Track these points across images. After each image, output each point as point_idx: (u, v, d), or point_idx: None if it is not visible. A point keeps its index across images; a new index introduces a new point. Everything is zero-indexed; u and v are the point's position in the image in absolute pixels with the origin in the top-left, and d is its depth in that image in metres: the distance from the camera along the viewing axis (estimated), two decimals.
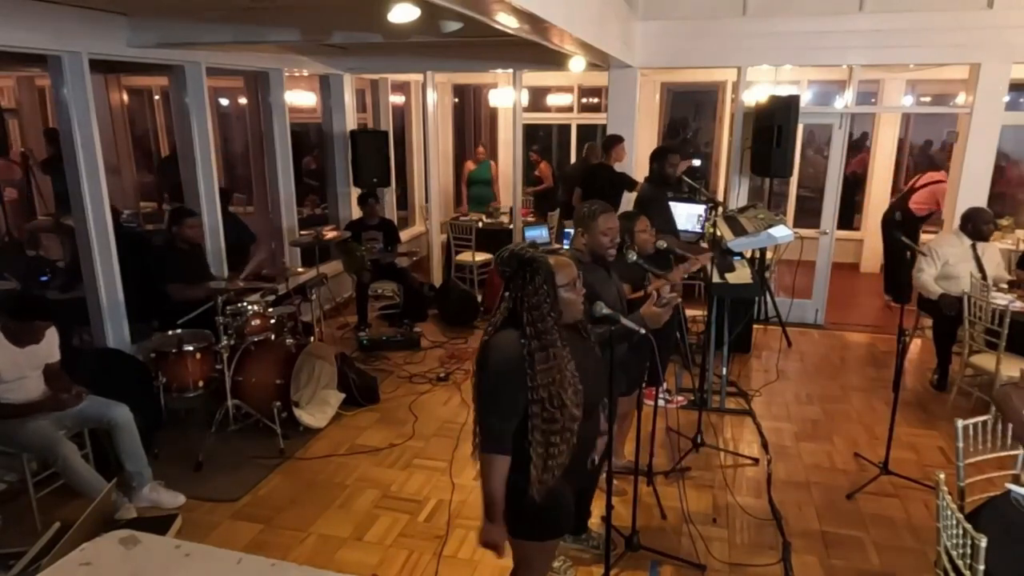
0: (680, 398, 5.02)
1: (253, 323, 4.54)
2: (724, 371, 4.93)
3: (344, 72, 7.19)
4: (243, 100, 8.47)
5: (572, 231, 3.21)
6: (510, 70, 7.07)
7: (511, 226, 7.53)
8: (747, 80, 6.45)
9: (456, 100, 10.63)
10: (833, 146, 6.43)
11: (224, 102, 9.45)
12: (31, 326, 3.53)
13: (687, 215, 6.43)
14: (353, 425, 4.70)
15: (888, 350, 6.01)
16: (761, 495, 3.87)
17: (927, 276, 5.07)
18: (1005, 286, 5.13)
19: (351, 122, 7.42)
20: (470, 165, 8.98)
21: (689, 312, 5.98)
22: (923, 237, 7.00)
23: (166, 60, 5.07)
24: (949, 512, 2.27)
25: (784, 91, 6.62)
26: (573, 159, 9.39)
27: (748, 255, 5.57)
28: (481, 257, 7.43)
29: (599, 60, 5.73)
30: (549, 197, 9.03)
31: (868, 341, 6.43)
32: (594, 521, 3.44)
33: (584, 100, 9.98)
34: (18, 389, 3.48)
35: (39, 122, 8.39)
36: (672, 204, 5.67)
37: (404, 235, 8.01)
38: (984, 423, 2.80)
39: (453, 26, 3.67)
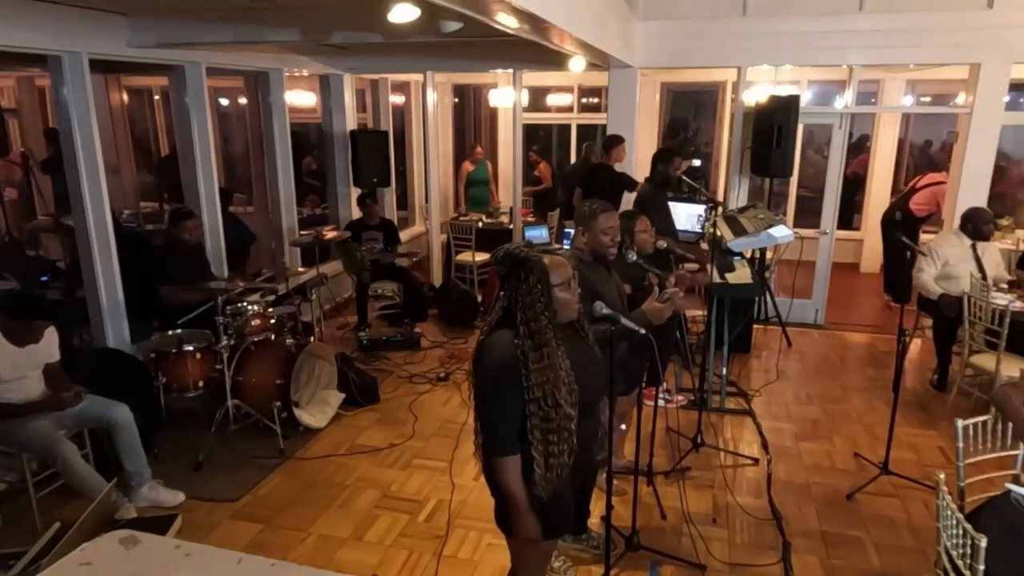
0: (680, 397, 5.02)
1: (253, 323, 4.54)
2: (724, 371, 4.93)
3: (344, 72, 7.19)
4: (243, 100, 8.47)
5: (572, 231, 3.21)
6: (510, 70, 7.08)
7: (511, 226, 7.53)
8: (747, 80, 6.45)
9: (456, 100, 10.63)
10: (833, 146, 6.43)
11: (224, 102, 9.45)
12: (31, 326, 3.53)
13: (687, 215, 6.42)
14: (353, 425, 4.70)
15: (888, 350, 6.01)
16: (761, 495, 3.87)
17: (927, 276, 5.07)
18: (1005, 286, 5.13)
19: (351, 122, 7.42)
20: (468, 166, 8.96)
21: (689, 312, 5.97)
22: (923, 237, 7.00)
23: (166, 60, 5.07)
24: (949, 512, 2.27)
25: (784, 91, 6.62)
26: (573, 159, 9.39)
27: (748, 255, 5.58)
28: (481, 257, 7.42)
29: (599, 60, 5.73)
30: (549, 197, 9.03)
31: (868, 341, 6.43)
32: (594, 521, 3.44)
33: (584, 100, 9.98)
34: (18, 389, 3.48)
35: (39, 122, 8.39)
36: (672, 204, 5.68)
37: (404, 235, 8.00)
38: (984, 423, 2.80)
39: (453, 26, 3.67)
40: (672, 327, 4.22)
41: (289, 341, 4.64)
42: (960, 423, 2.76)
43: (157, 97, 9.39)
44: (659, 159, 5.38)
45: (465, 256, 7.61)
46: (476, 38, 4.46)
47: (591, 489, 2.79)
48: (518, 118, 7.11)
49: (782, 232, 4.61)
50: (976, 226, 5.05)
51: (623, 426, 2.66)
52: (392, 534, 3.52)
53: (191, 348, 4.36)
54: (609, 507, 2.65)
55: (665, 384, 5.07)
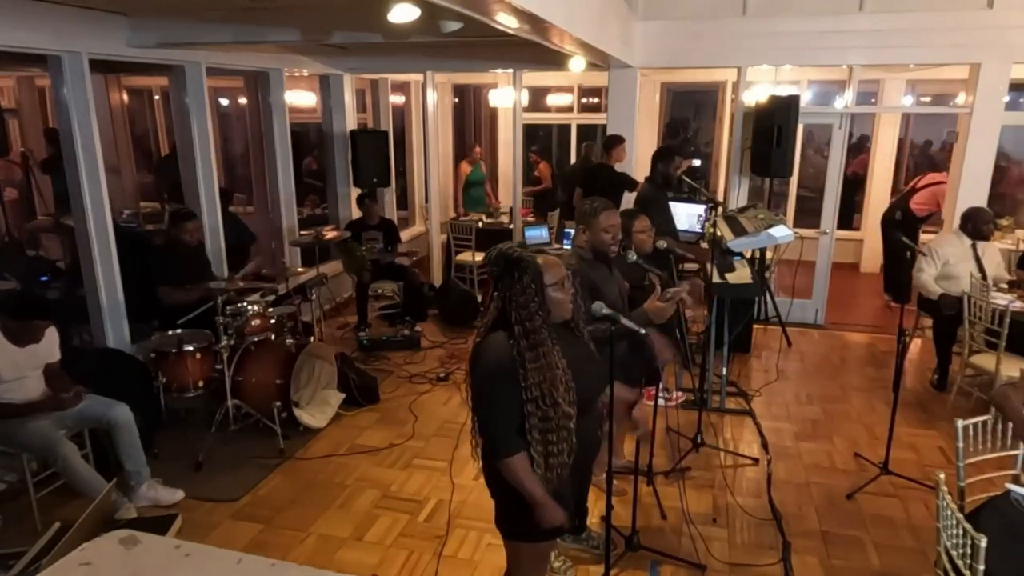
0: (679, 394, 5.02)
1: (253, 323, 4.54)
2: (724, 371, 4.93)
3: (344, 72, 7.19)
4: (243, 100, 8.47)
5: (572, 231, 3.21)
6: (510, 70, 7.08)
7: (511, 226, 7.53)
8: (747, 80, 6.45)
9: (456, 100, 10.63)
10: (833, 146, 6.43)
11: (224, 102, 9.45)
12: (31, 326, 3.53)
13: (687, 215, 6.42)
14: (353, 425, 4.70)
15: (888, 350, 6.01)
16: (761, 495, 3.87)
17: (927, 276, 5.07)
18: (1005, 286, 5.13)
19: (351, 122, 7.42)
20: (466, 167, 8.94)
21: (689, 312, 5.97)
22: (923, 237, 7.00)
23: (166, 60, 5.07)
24: (949, 512, 2.27)
25: (784, 91, 6.62)
26: (573, 159, 9.39)
27: (748, 255, 5.58)
28: (481, 257, 7.43)
29: (599, 60, 5.73)
30: (548, 197, 9.03)
31: (868, 341, 6.43)
32: (594, 521, 3.44)
33: (584, 100, 9.98)
34: (18, 389, 3.48)
35: (39, 122, 8.38)
36: (672, 204, 5.68)
37: (404, 235, 8.00)
38: (984, 423, 2.80)
39: (453, 26, 3.67)
40: (672, 326, 4.21)
41: (289, 341, 4.64)
42: (960, 423, 2.76)
43: (157, 97, 9.39)
44: (660, 158, 5.38)
45: (465, 256, 7.61)
46: (476, 38, 4.46)
47: (588, 487, 2.79)
48: (518, 118, 7.11)
49: (782, 232, 4.61)
50: (976, 226, 5.05)
51: (638, 426, 2.60)
52: (392, 534, 3.52)
53: (191, 348, 4.36)
54: (609, 507, 2.65)
55: (664, 383, 5.07)
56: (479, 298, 6.91)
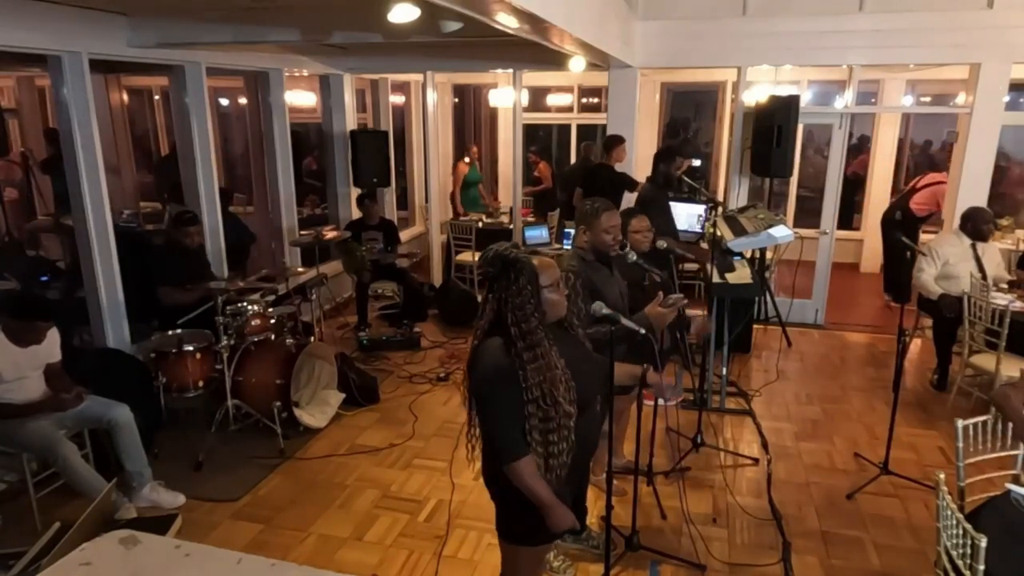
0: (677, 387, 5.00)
1: (253, 323, 4.54)
2: (724, 371, 4.93)
3: (344, 72, 7.19)
4: (243, 100, 8.47)
5: (572, 231, 3.21)
6: (510, 70, 7.08)
7: (511, 226, 7.52)
8: (747, 80, 6.45)
9: (456, 100, 10.63)
10: (833, 146, 6.43)
11: (224, 102, 9.45)
12: (32, 326, 3.52)
13: (687, 215, 6.43)
14: (353, 425, 4.70)
15: (888, 350, 6.01)
16: (761, 495, 3.87)
17: (927, 276, 5.07)
18: (1005, 286, 5.13)
19: (351, 122, 7.42)
20: (463, 168, 8.90)
21: (689, 312, 5.96)
22: (923, 237, 7.00)
23: (166, 60, 5.07)
24: (949, 512, 2.27)
25: (784, 91, 6.62)
26: (573, 159, 9.39)
27: (748, 255, 5.58)
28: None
29: (599, 60, 5.73)
30: (548, 197, 9.02)
31: (868, 341, 6.43)
32: (594, 521, 3.44)
33: (584, 100, 9.98)
34: (19, 389, 3.48)
35: (39, 122, 8.39)
36: (672, 204, 5.68)
37: (404, 235, 8.00)
38: (984, 423, 2.80)
39: (453, 26, 3.67)
40: (673, 326, 4.21)
41: (289, 341, 4.64)
42: (960, 423, 2.76)
43: (157, 97, 9.40)
44: (661, 158, 5.38)
45: (465, 256, 7.60)
46: (476, 38, 4.46)
47: (586, 487, 2.79)
48: (518, 118, 7.11)
49: (782, 232, 4.61)
50: (976, 226, 5.05)
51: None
52: (392, 534, 3.52)
53: (191, 348, 4.36)
54: (609, 507, 2.65)
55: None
56: (479, 298, 6.88)
